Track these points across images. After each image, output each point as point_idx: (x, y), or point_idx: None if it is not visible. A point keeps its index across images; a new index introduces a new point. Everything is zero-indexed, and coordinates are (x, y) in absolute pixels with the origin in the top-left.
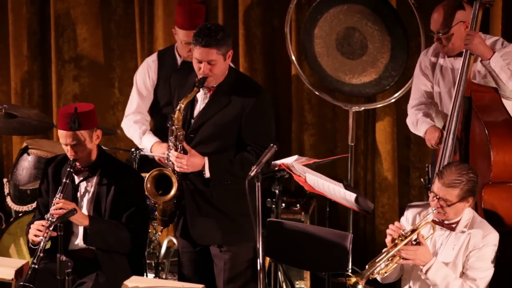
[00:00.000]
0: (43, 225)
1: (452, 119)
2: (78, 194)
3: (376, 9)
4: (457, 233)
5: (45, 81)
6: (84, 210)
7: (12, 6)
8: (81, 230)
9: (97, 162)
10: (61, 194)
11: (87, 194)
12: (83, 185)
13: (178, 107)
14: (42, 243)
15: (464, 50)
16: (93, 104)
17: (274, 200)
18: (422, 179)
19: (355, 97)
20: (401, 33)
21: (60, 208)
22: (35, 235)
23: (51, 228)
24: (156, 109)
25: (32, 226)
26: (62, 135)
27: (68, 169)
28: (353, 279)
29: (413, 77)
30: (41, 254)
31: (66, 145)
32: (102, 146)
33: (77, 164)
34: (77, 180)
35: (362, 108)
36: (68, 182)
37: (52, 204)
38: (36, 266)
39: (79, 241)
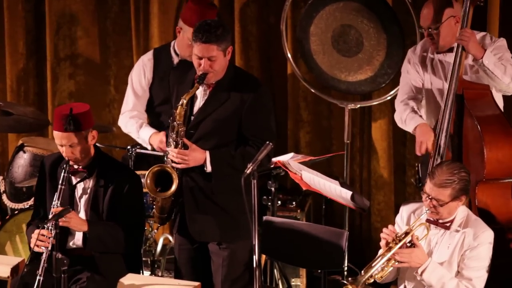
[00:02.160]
0: (43, 235)
1: (445, 117)
2: (76, 195)
3: (372, 6)
4: (451, 232)
5: (41, 79)
6: (82, 211)
7: (8, 4)
8: (78, 233)
9: (93, 162)
10: (58, 202)
11: (84, 195)
12: (80, 186)
13: (180, 102)
14: (44, 254)
15: (455, 47)
16: (88, 105)
17: (270, 197)
18: (412, 179)
19: (351, 94)
20: (397, 31)
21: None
22: (37, 245)
23: (51, 238)
24: (151, 107)
25: (33, 235)
26: (58, 136)
27: (63, 174)
28: (349, 287)
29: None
30: (46, 265)
31: (62, 146)
32: (98, 144)
33: (72, 164)
34: (74, 181)
35: (358, 106)
36: (64, 187)
37: (50, 213)
38: (42, 278)
39: (75, 241)
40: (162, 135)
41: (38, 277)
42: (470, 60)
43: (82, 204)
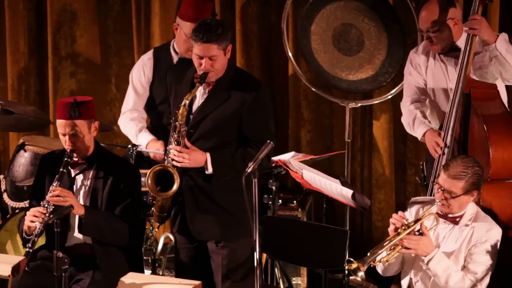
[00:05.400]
0: (39, 211)
1: (451, 116)
2: (75, 187)
3: (373, 5)
4: (460, 227)
5: (42, 78)
6: (81, 202)
7: (9, 3)
8: (76, 221)
9: (93, 155)
10: (58, 183)
11: (83, 187)
12: (79, 178)
13: (183, 103)
14: (37, 228)
15: (464, 47)
16: (91, 97)
17: (271, 196)
18: (417, 178)
19: (352, 93)
20: (398, 30)
21: (57, 196)
22: (31, 221)
23: (47, 214)
24: (152, 106)
25: (28, 212)
26: (61, 124)
27: (66, 158)
28: (354, 265)
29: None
30: (36, 239)
31: (64, 134)
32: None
33: (74, 155)
34: (73, 173)
35: (359, 105)
36: (64, 171)
37: (49, 191)
38: (31, 250)
39: (75, 233)
40: (160, 145)
41: (27, 250)
42: (478, 47)
43: (81, 196)
